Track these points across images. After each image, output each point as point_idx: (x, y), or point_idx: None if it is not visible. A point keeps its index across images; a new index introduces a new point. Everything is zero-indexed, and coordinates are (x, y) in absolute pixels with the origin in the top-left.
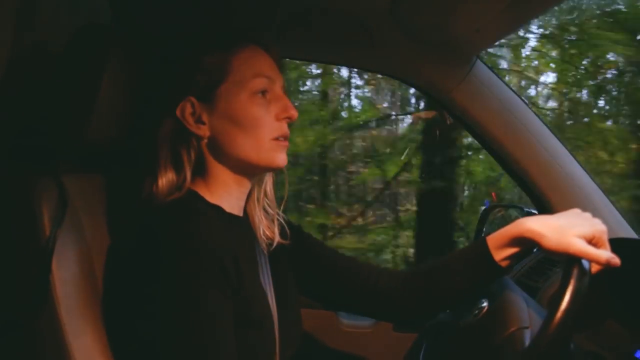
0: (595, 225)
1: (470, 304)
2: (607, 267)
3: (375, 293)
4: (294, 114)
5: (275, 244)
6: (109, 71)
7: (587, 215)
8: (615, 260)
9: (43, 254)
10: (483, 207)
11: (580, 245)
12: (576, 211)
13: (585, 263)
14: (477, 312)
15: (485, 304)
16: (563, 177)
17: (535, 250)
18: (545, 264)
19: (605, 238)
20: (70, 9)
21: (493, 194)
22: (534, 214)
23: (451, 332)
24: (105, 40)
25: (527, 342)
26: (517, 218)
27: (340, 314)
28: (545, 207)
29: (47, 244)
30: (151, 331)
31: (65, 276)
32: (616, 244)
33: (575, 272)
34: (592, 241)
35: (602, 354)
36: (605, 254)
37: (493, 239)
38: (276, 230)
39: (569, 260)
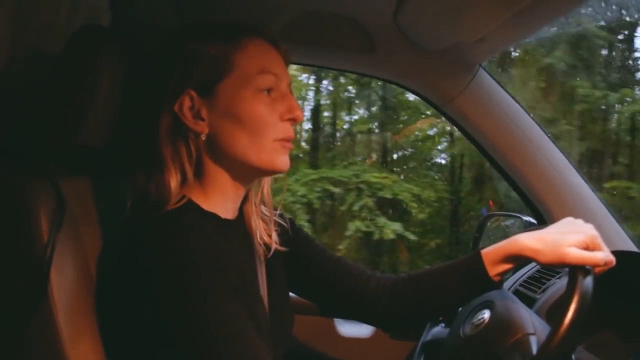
0: (587, 231)
1: (471, 314)
2: (607, 266)
3: (363, 298)
4: (300, 115)
5: (272, 251)
6: (107, 72)
7: (579, 222)
8: (611, 258)
9: (41, 260)
10: (481, 216)
11: (575, 255)
12: (568, 220)
13: (588, 267)
14: (479, 322)
15: (486, 314)
16: (563, 187)
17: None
18: (543, 275)
19: (598, 241)
20: (71, 10)
21: (490, 202)
22: (533, 224)
23: (452, 343)
24: (102, 41)
25: (534, 347)
26: (515, 227)
27: (337, 322)
28: (544, 217)
29: (45, 249)
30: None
31: (63, 283)
32: (616, 257)
33: (579, 277)
34: (587, 247)
35: None
36: (600, 255)
37: (488, 255)
38: (274, 236)
39: (571, 268)
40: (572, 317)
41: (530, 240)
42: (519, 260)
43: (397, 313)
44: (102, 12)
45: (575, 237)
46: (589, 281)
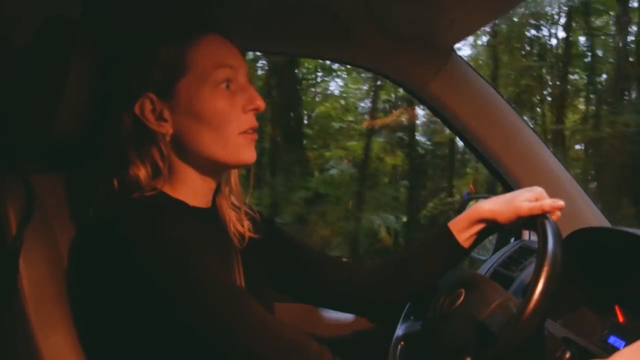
0: (535, 189)
1: (444, 298)
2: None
3: (348, 287)
4: (261, 104)
5: (247, 239)
6: (76, 64)
7: (529, 187)
8: (559, 202)
9: (10, 254)
10: (462, 198)
11: (527, 206)
12: (522, 189)
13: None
14: (454, 300)
15: (462, 291)
16: (538, 168)
17: (513, 240)
18: (521, 255)
19: (545, 194)
20: (40, 1)
21: (471, 185)
22: None
23: (430, 325)
24: (71, 33)
25: (514, 309)
26: None
27: (320, 308)
28: None
29: (13, 243)
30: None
31: (34, 276)
32: (590, 233)
33: (543, 222)
34: (537, 200)
35: (575, 340)
36: (547, 201)
37: (454, 224)
38: (245, 224)
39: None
40: (547, 275)
41: (488, 204)
42: (482, 223)
43: (382, 296)
44: (73, 5)
45: (526, 194)
46: (554, 225)
